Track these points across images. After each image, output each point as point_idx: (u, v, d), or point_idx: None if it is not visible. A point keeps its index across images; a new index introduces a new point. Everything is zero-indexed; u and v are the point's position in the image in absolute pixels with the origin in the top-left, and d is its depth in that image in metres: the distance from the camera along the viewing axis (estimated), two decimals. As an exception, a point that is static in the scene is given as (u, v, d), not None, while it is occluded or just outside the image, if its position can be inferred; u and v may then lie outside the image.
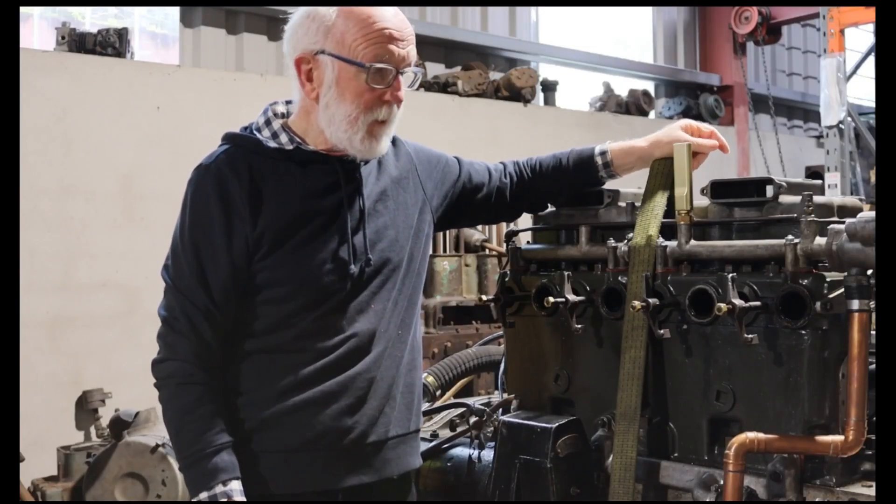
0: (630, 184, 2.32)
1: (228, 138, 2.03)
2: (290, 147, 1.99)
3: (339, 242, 1.96)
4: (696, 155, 2.18)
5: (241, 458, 1.93)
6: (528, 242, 2.44)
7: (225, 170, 1.94)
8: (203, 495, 1.86)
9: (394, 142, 2.17)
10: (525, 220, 2.44)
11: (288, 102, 2.07)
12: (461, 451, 2.42)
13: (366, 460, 1.98)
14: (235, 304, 1.95)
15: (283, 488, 1.94)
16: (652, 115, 9.54)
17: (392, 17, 1.95)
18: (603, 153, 2.26)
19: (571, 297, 2.15)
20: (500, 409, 2.36)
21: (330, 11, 1.95)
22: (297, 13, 2.00)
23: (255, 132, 2.02)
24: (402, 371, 2.05)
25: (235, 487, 1.87)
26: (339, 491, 1.96)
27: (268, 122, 2.02)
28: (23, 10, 6.04)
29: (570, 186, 2.30)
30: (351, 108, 1.94)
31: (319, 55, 1.95)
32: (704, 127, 2.26)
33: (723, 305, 1.85)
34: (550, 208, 2.38)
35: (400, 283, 2.05)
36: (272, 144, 1.99)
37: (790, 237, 1.88)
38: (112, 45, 5.89)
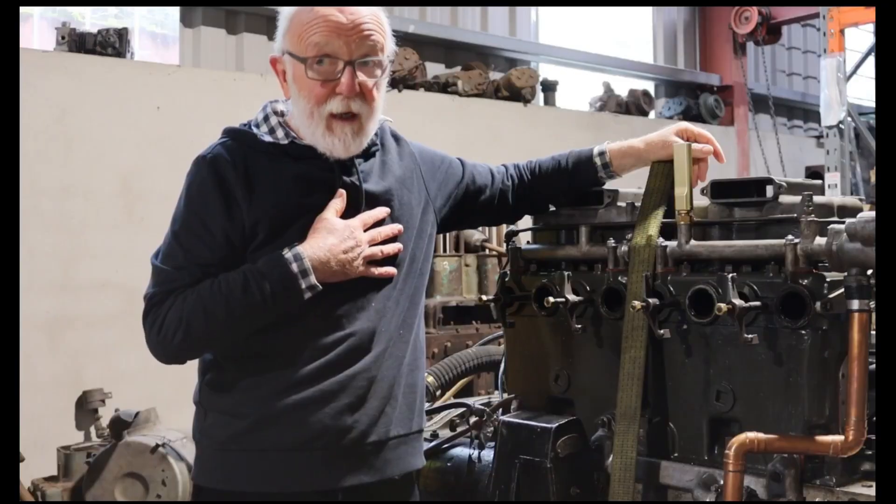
0: (630, 184, 2.32)
1: (227, 132, 2.04)
2: (286, 142, 1.99)
3: None
4: (695, 161, 2.18)
5: (240, 457, 1.94)
6: (528, 242, 2.44)
7: (222, 160, 1.95)
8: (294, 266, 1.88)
9: (398, 141, 2.17)
10: (525, 220, 2.44)
11: (287, 101, 2.08)
12: (461, 451, 2.43)
13: (366, 460, 1.98)
14: None
15: (282, 487, 1.93)
16: (652, 115, 9.54)
17: (345, 10, 1.92)
18: (602, 154, 2.26)
19: (571, 297, 2.15)
20: (500, 409, 2.36)
21: (292, 10, 1.97)
22: None
23: (253, 128, 2.03)
24: (404, 371, 2.04)
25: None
26: (339, 491, 1.96)
27: (266, 118, 2.03)
28: (23, 10, 6.03)
29: (570, 188, 2.30)
30: (304, 103, 1.95)
31: (284, 55, 1.98)
32: (700, 133, 2.24)
33: (723, 305, 1.85)
34: (551, 209, 2.38)
35: (401, 282, 2.04)
36: (268, 139, 2.00)
37: (790, 237, 1.88)
38: (112, 45, 5.89)
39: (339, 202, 1.96)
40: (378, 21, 1.97)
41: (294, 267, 1.88)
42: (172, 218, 1.98)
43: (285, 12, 1.98)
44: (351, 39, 1.91)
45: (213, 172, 1.94)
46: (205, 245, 1.93)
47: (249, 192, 1.93)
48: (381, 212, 2.02)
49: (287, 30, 1.97)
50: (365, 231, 1.97)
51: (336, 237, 1.92)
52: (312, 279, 1.89)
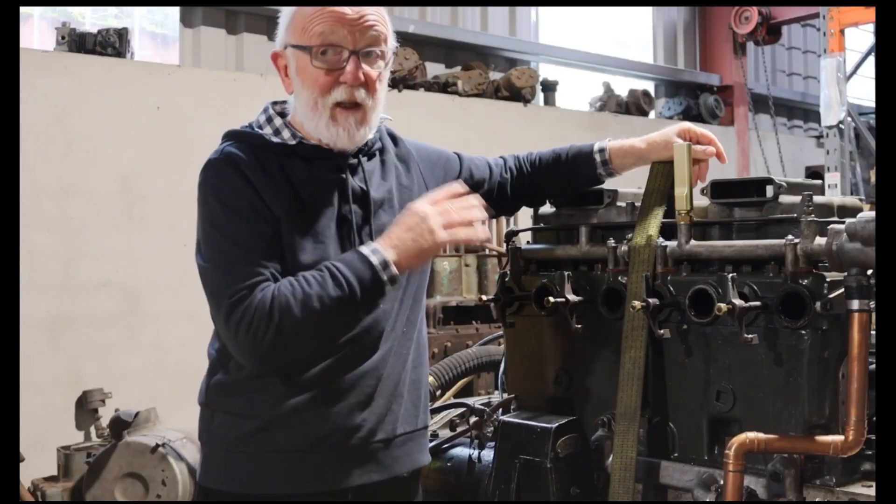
0: (630, 184, 2.32)
1: (231, 135, 2.01)
2: (294, 142, 1.99)
3: (345, 239, 1.96)
4: (696, 162, 2.17)
5: (248, 459, 1.93)
6: (528, 242, 2.44)
7: (236, 157, 1.92)
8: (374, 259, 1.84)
9: (395, 141, 2.17)
10: (525, 220, 2.44)
11: (284, 103, 2.07)
12: (461, 451, 2.43)
13: (375, 458, 1.98)
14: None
15: (291, 489, 1.92)
16: (652, 115, 9.54)
17: (348, 4, 1.92)
18: (601, 151, 2.26)
19: (571, 297, 2.15)
20: (500, 409, 2.36)
21: (294, 8, 1.97)
22: None
23: (256, 129, 2.01)
24: (409, 368, 2.05)
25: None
26: (348, 490, 1.95)
27: (269, 120, 2.02)
28: (23, 10, 6.04)
29: (568, 182, 2.31)
30: (308, 93, 1.94)
31: (286, 49, 1.98)
32: (703, 134, 2.24)
33: (723, 305, 1.85)
34: (549, 204, 2.38)
35: (405, 281, 2.04)
36: (276, 140, 1.99)
37: (790, 237, 1.88)
38: (112, 45, 5.89)
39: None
40: (381, 15, 1.98)
41: (374, 259, 1.85)
42: (207, 240, 1.90)
43: (287, 9, 1.99)
44: (355, 29, 1.92)
45: (233, 170, 1.90)
46: (264, 222, 1.87)
47: (266, 190, 1.90)
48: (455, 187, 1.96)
49: (290, 24, 1.97)
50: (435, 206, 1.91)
51: (401, 227, 1.88)
52: (393, 270, 1.86)
